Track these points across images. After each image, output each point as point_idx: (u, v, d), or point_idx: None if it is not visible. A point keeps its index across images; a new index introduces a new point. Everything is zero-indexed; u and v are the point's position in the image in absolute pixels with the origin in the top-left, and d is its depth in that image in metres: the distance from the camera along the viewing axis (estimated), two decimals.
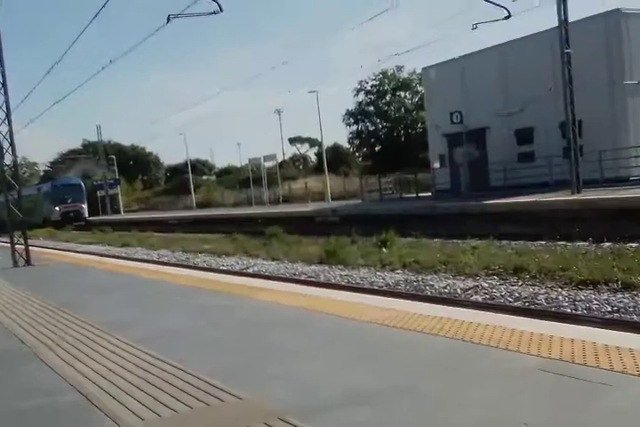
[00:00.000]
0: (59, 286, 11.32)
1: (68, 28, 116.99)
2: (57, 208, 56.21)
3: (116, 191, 65.97)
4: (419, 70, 49.23)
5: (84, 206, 58.31)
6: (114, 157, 67.91)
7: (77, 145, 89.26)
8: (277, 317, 6.59)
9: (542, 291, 10.15)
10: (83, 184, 59.52)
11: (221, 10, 19.07)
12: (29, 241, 16.75)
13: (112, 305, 8.40)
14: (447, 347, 4.84)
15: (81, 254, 21.17)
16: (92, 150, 79.38)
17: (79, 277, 12.89)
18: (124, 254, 24.21)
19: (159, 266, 14.68)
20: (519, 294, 10.18)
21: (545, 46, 24.94)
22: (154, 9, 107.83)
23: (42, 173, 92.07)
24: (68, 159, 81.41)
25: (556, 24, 21.62)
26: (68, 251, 24.92)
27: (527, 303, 9.68)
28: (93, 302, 8.90)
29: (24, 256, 16.13)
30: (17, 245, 16.31)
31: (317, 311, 6.62)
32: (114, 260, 17.83)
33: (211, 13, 19.21)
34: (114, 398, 4.24)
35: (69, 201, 56.83)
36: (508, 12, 22.45)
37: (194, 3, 17.86)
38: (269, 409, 3.80)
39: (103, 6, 16.07)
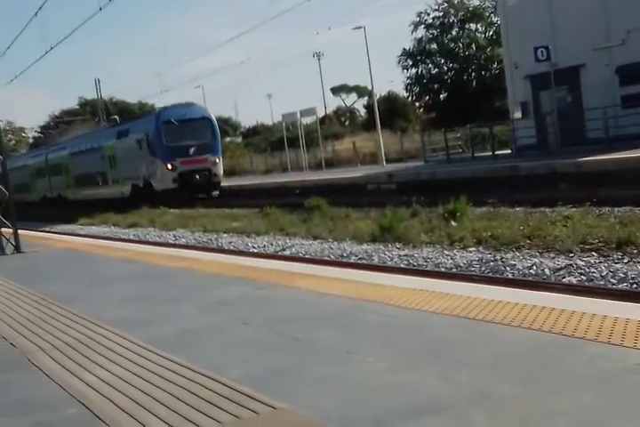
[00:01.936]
0: (55, 277, 11.54)
1: None
2: (168, 166, 36.75)
3: None
4: None
5: (219, 161, 38.86)
6: (117, 117, 68.63)
7: (73, 104, 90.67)
8: (320, 309, 6.64)
9: None
10: (213, 118, 39.94)
11: None
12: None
13: (120, 300, 8.53)
14: (532, 341, 4.83)
15: (81, 238, 21.55)
16: (90, 110, 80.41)
17: (80, 265, 13.14)
18: (132, 237, 24.60)
19: (177, 250, 14.88)
20: (624, 273, 10.07)
21: None
22: None
23: (31, 141, 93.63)
24: (61, 122, 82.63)
25: None
26: (66, 234, 25.40)
27: (635, 285, 9.57)
28: (97, 295, 9.06)
29: (12, 242, 16.48)
30: (3, 229, 16.66)
31: (369, 301, 6.65)
32: (120, 243, 18.13)
33: None
34: (124, 411, 4.33)
35: (192, 151, 37.36)
36: None
37: None
38: (310, 421, 3.85)
39: None
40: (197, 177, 36.81)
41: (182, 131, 37.03)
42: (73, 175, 49.77)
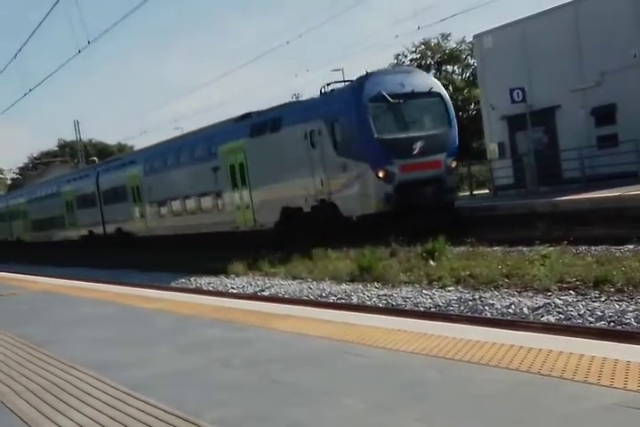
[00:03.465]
0: (31, 320, 11.44)
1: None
2: (380, 173, 22.30)
3: None
4: (469, 38, 49.22)
5: (454, 166, 24.23)
6: (96, 158, 68.64)
7: (52, 146, 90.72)
8: (300, 350, 6.60)
9: (631, 308, 10.07)
10: (446, 94, 24.80)
11: None
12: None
13: (97, 342, 8.46)
14: (510, 381, 4.81)
15: (56, 280, 21.36)
16: (69, 152, 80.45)
17: (56, 308, 13.02)
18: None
19: (154, 291, 14.78)
20: (602, 312, 10.11)
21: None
22: None
23: (9, 182, 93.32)
24: (40, 164, 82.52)
25: None
26: (41, 275, 25.18)
27: (612, 324, 9.60)
28: (74, 338, 8.98)
29: None
30: None
31: (348, 342, 6.63)
32: (99, 285, 17.99)
33: None
34: None
35: (418, 149, 22.82)
36: None
37: None
38: None
39: None
40: (425, 192, 22.00)
41: (402, 114, 23.13)
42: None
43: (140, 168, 35.67)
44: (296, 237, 23.36)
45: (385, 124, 22.81)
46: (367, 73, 23.83)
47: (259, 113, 28.86)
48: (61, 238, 47.06)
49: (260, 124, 27.27)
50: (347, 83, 25.42)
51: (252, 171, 27.14)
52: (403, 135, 22.53)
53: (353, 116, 22.62)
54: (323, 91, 25.01)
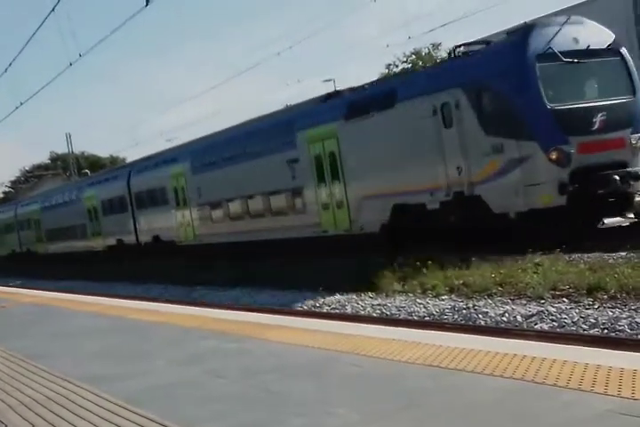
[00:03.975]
0: (23, 333, 11.39)
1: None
2: (552, 155, 16.74)
3: None
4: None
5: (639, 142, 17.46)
6: (88, 171, 68.56)
7: (44, 159, 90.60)
8: (294, 361, 6.59)
9: (625, 315, 10.07)
10: (626, 52, 18.36)
11: None
12: None
13: (91, 355, 8.43)
14: (504, 389, 4.81)
15: (48, 292, 21.31)
16: (61, 165, 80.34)
17: (50, 321, 12.97)
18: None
19: (147, 303, 14.75)
20: (595, 319, 10.12)
21: None
22: None
23: (1, 195, 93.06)
24: (32, 177, 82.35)
25: None
26: (34, 289, 25.11)
27: (605, 331, 9.61)
28: (67, 351, 8.95)
29: None
30: None
31: (342, 352, 6.62)
32: (91, 298, 17.94)
33: None
34: None
35: (600, 123, 17.13)
36: None
37: None
38: None
39: None
40: (610, 180, 16.64)
41: (578, 77, 18.19)
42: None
43: (186, 165, 30.83)
44: (416, 242, 18.54)
45: (558, 90, 17.65)
46: (527, 24, 19.36)
47: (353, 89, 23.81)
48: (82, 249, 41.85)
49: (361, 101, 22.02)
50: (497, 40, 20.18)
51: (348, 161, 21.93)
52: (581, 105, 17.36)
53: (514, 80, 17.43)
54: (454, 54, 20.10)
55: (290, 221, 24.28)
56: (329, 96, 24.76)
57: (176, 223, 31.36)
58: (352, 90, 23.59)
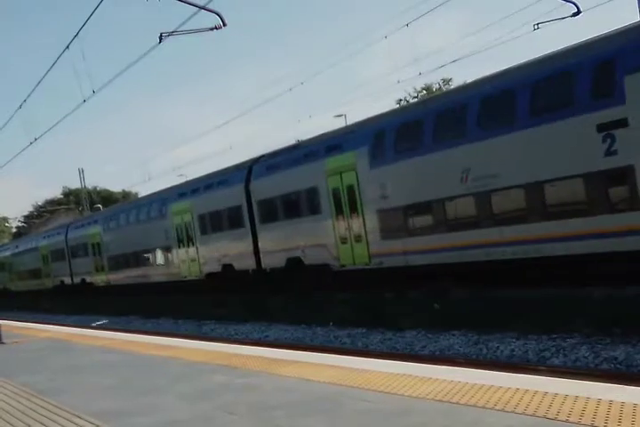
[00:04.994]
0: (35, 368, 11.36)
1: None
2: None
3: None
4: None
5: None
6: (100, 205, 68.82)
7: (57, 194, 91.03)
8: (304, 396, 6.54)
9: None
10: None
11: (224, 24, 19.32)
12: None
13: (103, 390, 8.38)
14: (515, 425, 4.75)
15: (64, 327, 21.30)
16: (74, 199, 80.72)
17: (62, 356, 12.94)
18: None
19: (158, 338, 14.71)
20: (608, 354, 10.03)
21: None
22: (142, 28, 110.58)
23: (14, 230, 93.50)
24: (45, 212, 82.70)
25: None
26: (49, 324, 25.09)
27: (618, 366, 9.52)
28: (80, 387, 8.90)
29: None
30: None
31: (353, 387, 6.58)
32: (108, 333, 17.92)
33: (211, 29, 19.52)
34: None
35: None
36: (577, 7, 22.16)
37: (191, 17, 18.09)
38: None
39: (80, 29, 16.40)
40: None
41: None
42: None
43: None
44: None
45: None
46: None
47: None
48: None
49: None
50: None
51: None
52: None
53: None
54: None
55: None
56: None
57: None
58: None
